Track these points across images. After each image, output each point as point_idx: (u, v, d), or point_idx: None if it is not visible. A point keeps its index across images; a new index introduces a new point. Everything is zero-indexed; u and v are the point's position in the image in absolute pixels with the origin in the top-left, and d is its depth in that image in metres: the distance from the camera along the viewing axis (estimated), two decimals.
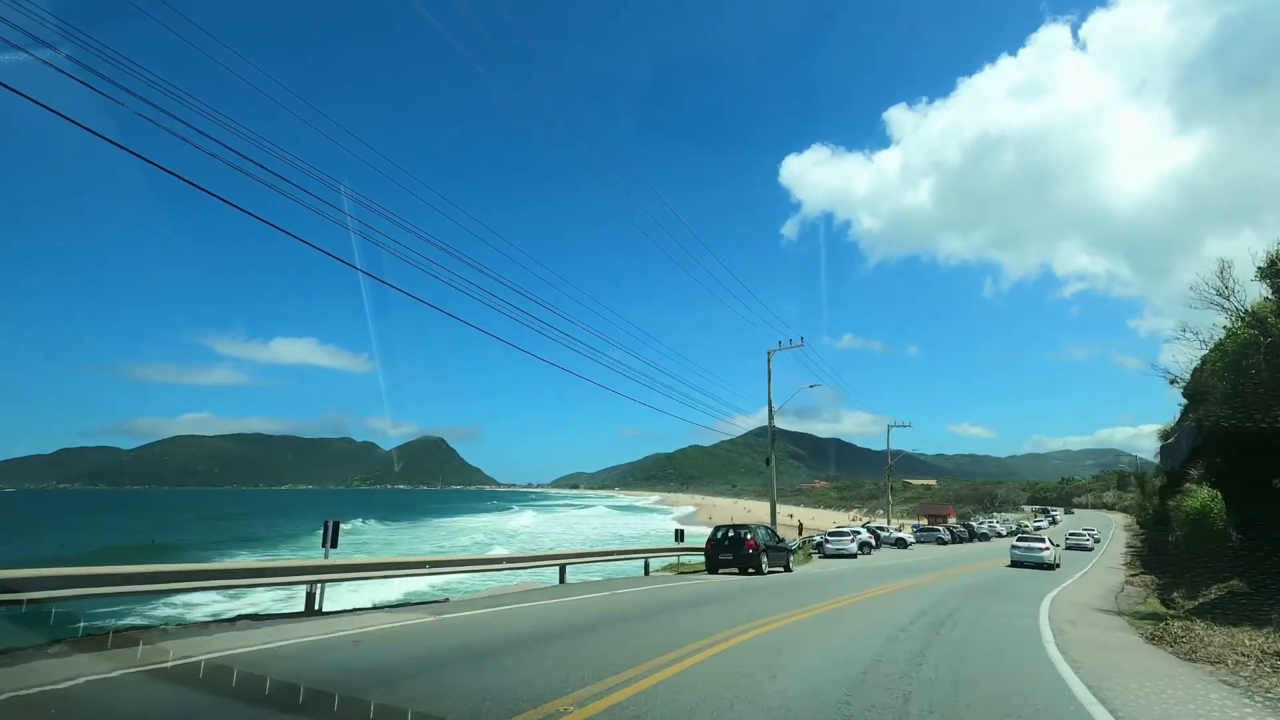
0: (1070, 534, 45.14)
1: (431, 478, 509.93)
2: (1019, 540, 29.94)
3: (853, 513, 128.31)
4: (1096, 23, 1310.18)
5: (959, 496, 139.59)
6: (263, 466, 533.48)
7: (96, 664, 6.07)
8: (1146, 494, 42.03)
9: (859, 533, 35.59)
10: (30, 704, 4.91)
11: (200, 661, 6.23)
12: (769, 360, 32.43)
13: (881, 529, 46.14)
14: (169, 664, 6.17)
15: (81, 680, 5.49)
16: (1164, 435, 34.72)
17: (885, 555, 35.79)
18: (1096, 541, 47.00)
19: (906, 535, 44.97)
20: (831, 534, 32.78)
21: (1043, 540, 29.68)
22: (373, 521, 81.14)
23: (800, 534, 44.91)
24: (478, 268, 14.09)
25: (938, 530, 53.33)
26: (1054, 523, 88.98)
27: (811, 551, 33.99)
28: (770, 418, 31.80)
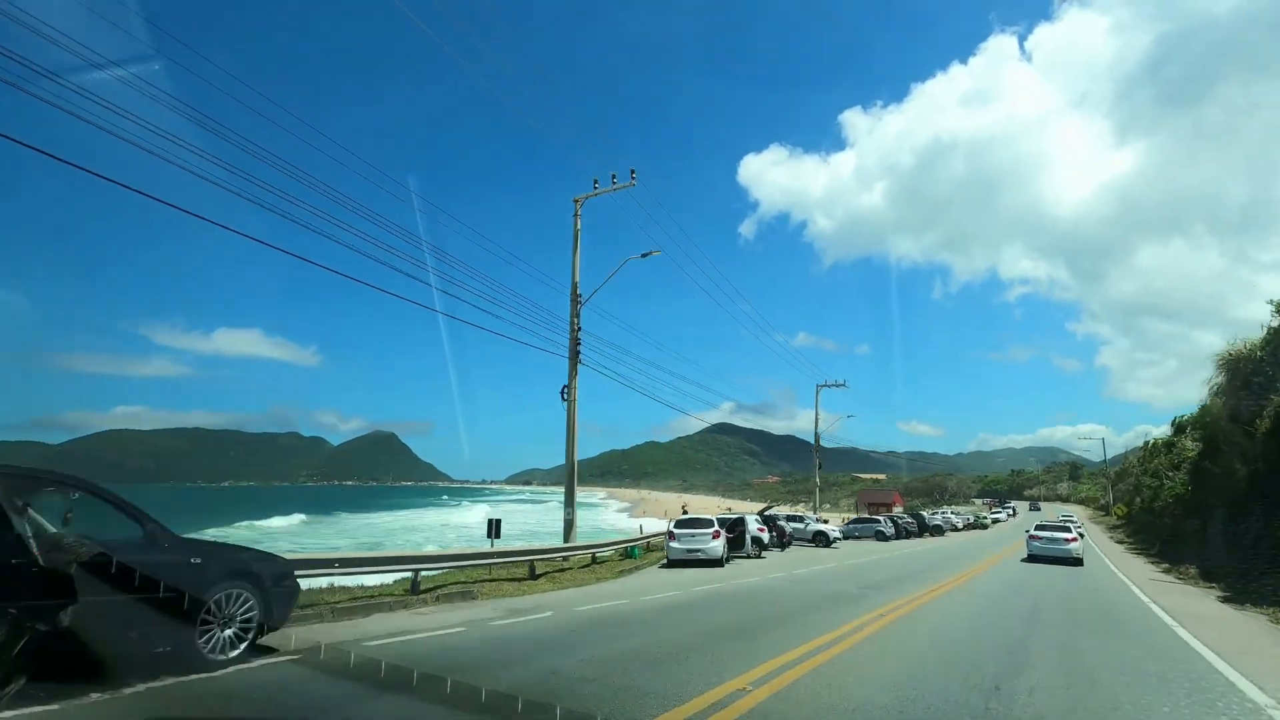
0: (1061, 517, 37.31)
1: (382, 473, 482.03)
2: (1038, 529, 24.09)
3: (799, 505, 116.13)
4: (1041, 35, 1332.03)
5: (908, 489, 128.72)
6: (203, 462, 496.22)
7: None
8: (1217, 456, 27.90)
9: (741, 522, 20.82)
10: (188, 690, 4.78)
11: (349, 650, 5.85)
12: (576, 215, 17.71)
13: (798, 519, 31.77)
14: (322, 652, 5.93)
15: (233, 670, 5.22)
16: (1230, 361, 20.96)
17: (791, 559, 21.37)
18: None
19: (831, 528, 30.76)
20: (682, 524, 17.86)
21: (1068, 529, 23.43)
22: (299, 516, 74.49)
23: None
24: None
25: (877, 521, 39.38)
26: (1012, 515, 77.22)
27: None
28: (574, 299, 17.07)
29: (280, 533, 57.02)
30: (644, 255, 18.17)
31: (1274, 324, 18.63)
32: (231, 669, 5.27)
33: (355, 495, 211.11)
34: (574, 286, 17.18)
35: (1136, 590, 14.76)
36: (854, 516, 46.53)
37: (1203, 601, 13.43)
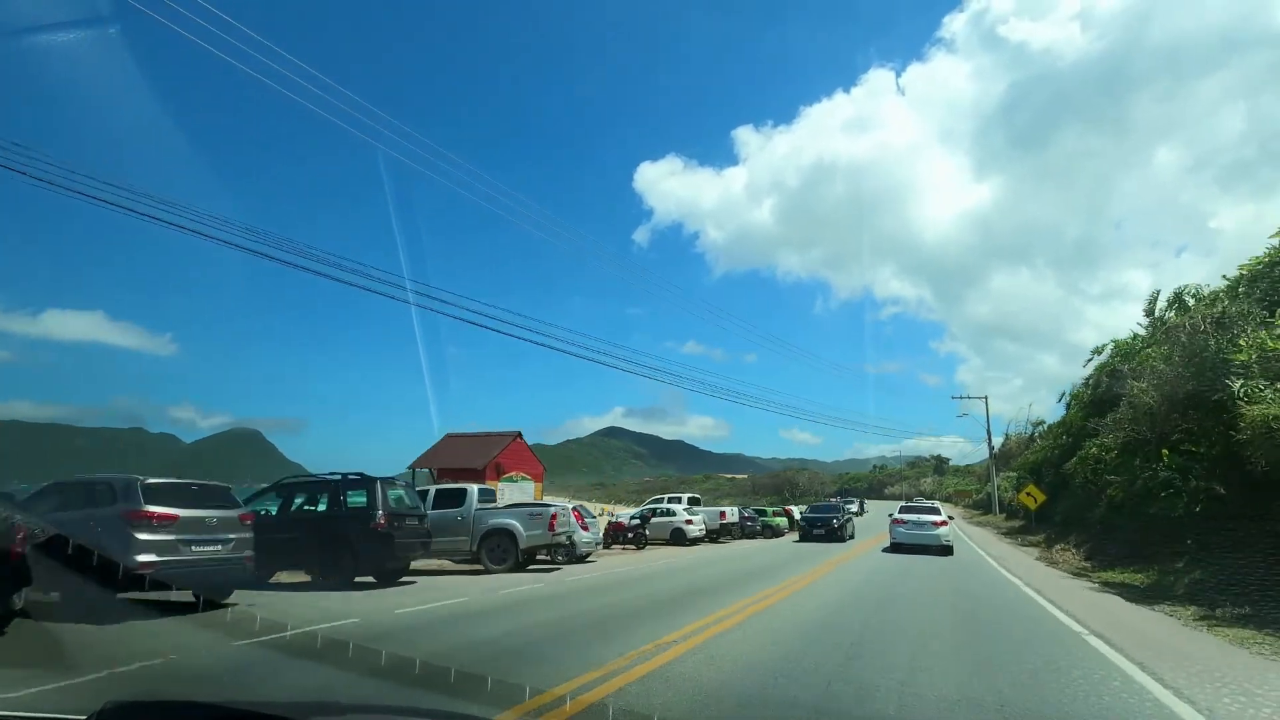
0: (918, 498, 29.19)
1: (241, 474, 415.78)
2: (903, 511, 19.23)
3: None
4: (914, 72, 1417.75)
5: (758, 486, 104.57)
6: (20, 460, 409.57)
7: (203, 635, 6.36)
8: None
9: None
10: (156, 674, 4.87)
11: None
12: None
13: None
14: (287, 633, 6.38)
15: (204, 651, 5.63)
16: None
17: None
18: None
19: None
20: None
21: (937, 512, 18.88)
22: None
23: None
24: None
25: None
26: (861, 513, 51.19)
27: None
28: None
29: None
30: None
31: None
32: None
33: None
34: None
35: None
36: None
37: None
